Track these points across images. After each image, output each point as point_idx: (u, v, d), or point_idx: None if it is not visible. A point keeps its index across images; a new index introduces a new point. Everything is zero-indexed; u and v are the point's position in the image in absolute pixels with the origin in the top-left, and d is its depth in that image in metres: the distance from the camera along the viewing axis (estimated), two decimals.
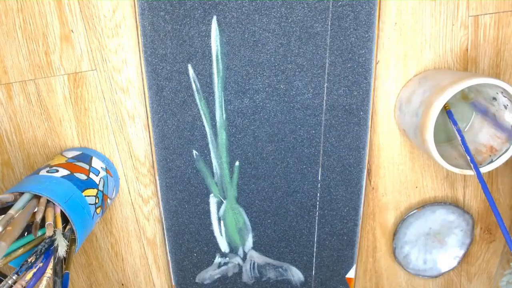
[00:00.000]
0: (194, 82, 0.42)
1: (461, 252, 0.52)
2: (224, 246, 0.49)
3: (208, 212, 0.47)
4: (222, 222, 0.48)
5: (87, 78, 0.42)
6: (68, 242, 0.35)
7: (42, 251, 0.34)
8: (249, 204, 0.47)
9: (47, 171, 0.38)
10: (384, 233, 0.51)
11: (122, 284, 0.52)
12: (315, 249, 0.50)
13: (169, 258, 0.49)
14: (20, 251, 0.34)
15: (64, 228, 0.36)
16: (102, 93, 0.43)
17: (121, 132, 0.44)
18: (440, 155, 0.38)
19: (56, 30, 0.40)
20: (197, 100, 0.43)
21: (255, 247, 0.49)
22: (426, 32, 0.43)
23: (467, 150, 0.40)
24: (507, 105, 0.38)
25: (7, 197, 0.34)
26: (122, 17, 0.40)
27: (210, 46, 0.41)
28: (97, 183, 0.40)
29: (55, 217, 0.34)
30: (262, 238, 0.49)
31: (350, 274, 0.51)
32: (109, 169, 0.44)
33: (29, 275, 0.32)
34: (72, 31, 0.40)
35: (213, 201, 0.47)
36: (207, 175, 0.45)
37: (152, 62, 0.41)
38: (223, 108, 0.43)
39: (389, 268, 0.53)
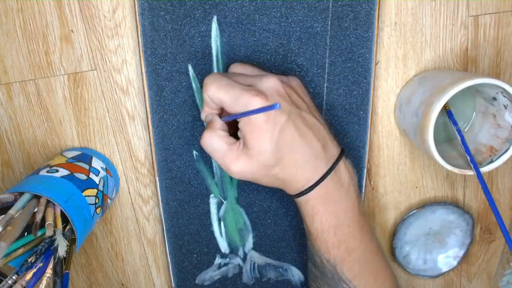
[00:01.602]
0: (194, 82, 0.42)
1: (461, 252, 0.52)
2: (224, 247, 0.49)
3: (208, 212, 0.47)
4: (222, 222, 0.48)
5: (87, 78, 0.42)
6: (68, 242, 0.35)
7: (42, 251, 0.34)
8: (249, 204, 0.47)
9: (47, 171, 0.38)
10: (384, 233, 0.51)
11: (122, 284, 0.51)
12: None
13: (169, 259, 0.49)
14: (20, 251, 0.34)
15: (64, 228, 0.36)
16: (102, 93, 0.43)
17: (121, 132, 0.44)
18: (440, 155, 0.38)
19: (56, 30, 0.40)
20: (197, 100, 0.43)
21: (256, 247, 0.49)
22: (426, 32, 0.43)
23: (467, 150, 0.40)
24: (507, 105, 0.39)
25: (7, 197, 0.34)
26: (122, 17, 0.40)
27: (210, 46, 0.41)
28: (97, 183, 0.40)
29: (55, 217, 0.34)
30: (262, 239, 0.49)
31: None
32: (109, 169, 0.44)
33: (29, 275, 0.32)
34: (72, 31, 0.40)
35: (213, 201, 0.47)
36: (207, 175, 0.45)
37: (152, 62, 0.41)
38: None
39: None
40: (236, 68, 0.39)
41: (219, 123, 0.37)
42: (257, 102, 0.33)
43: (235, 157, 0.35)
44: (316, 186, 0.36)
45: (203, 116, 0.39)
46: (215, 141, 0.36)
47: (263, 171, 0.35)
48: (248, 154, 0.35)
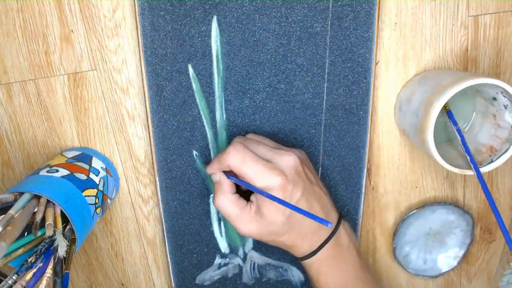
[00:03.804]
0: (194, 82, 0.42)
1: (461, 252, 0.52)
2: (224, 247, 0.49)
3: (208, 212, 0.47)
4: (222, 222, 0.48)
5: (87, 78, 0.42)
6: (68, 242, 0.35)
7: (42, 251, 0.34)
8: None
9: (47, 171, 0.38)
10: (384, 233, 0.51)
11: (122, 284, 0.51)
12: None
13: (169, 259, 0.49)
14: (20, 251, 0.34)
15: (64, 228, 0.36)
16: (102, 93, 0.43)
17: (121, 132, 0.44)
18: (440, 155, 0.38)
19: (56, 30, 0.40)
20: (197, 100, 0.43)
21: (255, 247, 0.49)
22: (426, 32, 0.43)
23: (467, 150, 0.40)
24: (507, 105, 0.39)
25: (7, 197, 0.34)
26: (122, 17, 0.40)
27: (210, 46, 0.41)
28: (97, 183, 0.40)
29: (55, 217, 0.34)
30: None
31: None
32: (109, 169, 0.44)
33: (29, 275, 0.32)
34: (72, 31, 0.40)
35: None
36: (207, 175, 0.45)
37: (152, 62, 0.41)
38: (223, 108, 0.43)
39: (389, 268, 0.53)
40: (253, 137, 0.42)
41: (228, 185, 0.39)
42: (277, 182, 0.36)
43: (247, 221, 0.38)
44: (319, 250, 0.39)
45: (209, 170, 0.40)
46: (228, 205, 0.39)
47: (271, 237, 0.39)
48: (260, 221, 0.37)
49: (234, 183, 0.39)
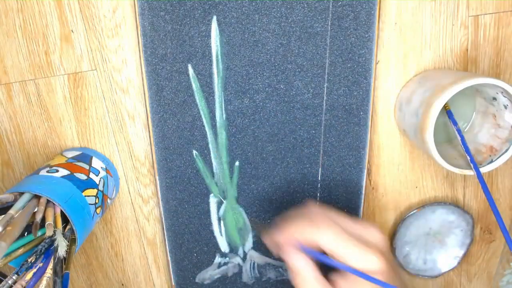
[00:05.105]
0: (194, 82, 0.42)
1: (461, 252, 0.52)
2: (224, 246, 0.49)
3: (208, 212, 0.47)
4: (222, 222, 0.48)
5: (87, 78, 0.42)
6: (68, 242, 0.35)
7: (42, 251, 0.34)
8: (249, 204, 0.47)
9: (47, 171, 0.38)
10: (384, 233, 0.51)
11: (122, 284, 0.52)
12: None
13: (169, 258, 0.49)
14: (20, 251, 0.34)
15: (64, 228, 0.36)
16: (102, 93, 0.43)
17: (121, 132, 0.44)
18: (440, 155, 0.38)
19: (56, 30, 0.40)
20: (197, 100, 0.43)
21: (255, 247, 0.49)
22: (426, 32, 0.43)
23: (467, 150, 0.40)
24: (507, 105, 0.38)
25: (7, 197, 0.34)
26: (122, 17, 0.40)
27: (210, 46, 0.41)
28: (97, 183, 0.40)
29: (55, 217, 0.34)
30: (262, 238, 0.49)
31: None
32: (109, 169, 0.44)
33: (29, 275, 0.32)
34: (72, 31, 0.40)
35: (213, 201, 0.47)
36: (207, 175, 0.45)
37: (152, 62, 0.41)
38: (223, 108, 0.43)
39: None
40: (316, 209, 0.36)
41: (313, 267, 0.33)
42: (378, 264, 0.31)
43: None
44: None
45: (284, 244, 0.35)
46: None
47: None
48: None
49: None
